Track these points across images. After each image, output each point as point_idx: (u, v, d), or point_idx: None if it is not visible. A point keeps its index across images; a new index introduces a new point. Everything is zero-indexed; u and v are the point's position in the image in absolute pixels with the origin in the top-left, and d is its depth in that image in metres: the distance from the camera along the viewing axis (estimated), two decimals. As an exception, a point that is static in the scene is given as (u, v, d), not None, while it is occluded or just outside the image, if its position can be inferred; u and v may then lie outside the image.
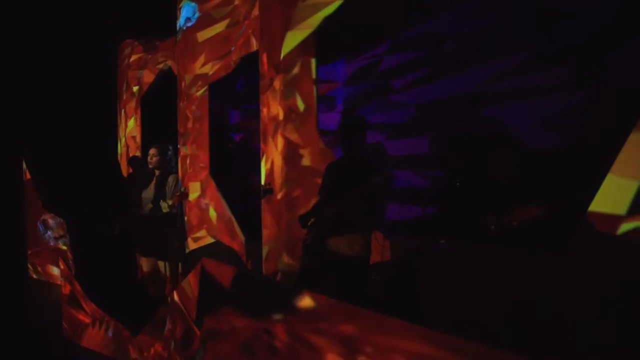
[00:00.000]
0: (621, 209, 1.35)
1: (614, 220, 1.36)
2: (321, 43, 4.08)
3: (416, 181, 4.20)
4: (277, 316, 0.61)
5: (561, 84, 2.88)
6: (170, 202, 2.32)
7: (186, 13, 3.77)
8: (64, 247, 3.07)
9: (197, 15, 3.67)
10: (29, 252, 3.77)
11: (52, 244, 3.42)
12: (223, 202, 3.38)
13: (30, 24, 4.46)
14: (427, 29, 4.41)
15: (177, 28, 3.81)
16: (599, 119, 2.21)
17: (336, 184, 1.89)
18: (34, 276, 3.78)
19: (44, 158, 4.19)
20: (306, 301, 0.62)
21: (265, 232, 2.58)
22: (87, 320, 2.20)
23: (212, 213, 3.43)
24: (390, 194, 1.91)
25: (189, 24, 3.71)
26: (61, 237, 3.18)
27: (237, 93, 5.78)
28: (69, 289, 2.42)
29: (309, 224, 1.84)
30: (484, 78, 3.86)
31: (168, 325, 1.31)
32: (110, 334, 2.01)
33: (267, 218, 2.54)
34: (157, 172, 2.52)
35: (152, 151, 2.53)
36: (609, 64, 2.42)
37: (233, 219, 3.30)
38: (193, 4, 3.64)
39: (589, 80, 2.56)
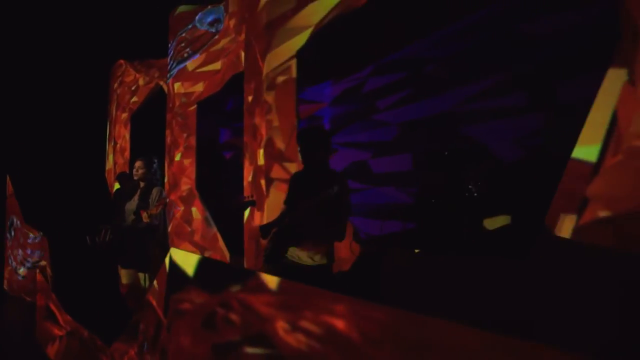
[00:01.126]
0: (572, 212, 1.45)
1: (567, 224, 1.46)
2: (308, 65, 4.29)
3: (399, 197, 4.30)
4: (233, 291, 0.68)
5: (526, 106, 3.07)
6: (151, 212, 2.36)
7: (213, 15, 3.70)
8: (43, 263, 3.05)
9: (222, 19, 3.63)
10: (8, 268, 3.72)
11: (19, 278, 3.38)
12: (208, 217, 3.41)
13: (24, 40, 4.58)
14: (408, 54, 4.65)
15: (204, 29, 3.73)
16: (553, 137, 2.37)
17: (296, 195, 1.94)
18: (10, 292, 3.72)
19: (29, 173, 4.20)
20: (259, 279, 0.69)
21: (247, 248, 2.61)
22: (61, 332, 2.18)
23: (197, 227, 3.45)
24: (348, 205, 1.93)
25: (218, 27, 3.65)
26: (27, 262, 3.16)
27: (228, 112, 5.92)
28: (44, 302, 2.41)
29: (270, 233, 1.86)
30: (460, 99, 4.06)
31: (141, 327, 1.33)
32: (82, 345, 2.00)
33: (248, 234, 2.59)
34: (142, 184, 2.57)
35: (137, 163, 2.59)
36: (558, 88, 2.61)
37: (218, 234, 3.33)
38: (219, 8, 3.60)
39: (544, 103, 2.75)
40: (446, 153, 2.91)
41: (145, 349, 1.26)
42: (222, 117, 5.78)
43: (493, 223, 2.16)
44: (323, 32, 3.06)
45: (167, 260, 0.90)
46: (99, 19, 4.70)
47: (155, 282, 1.09)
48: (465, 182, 2.43)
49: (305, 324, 0.59)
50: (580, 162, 1.47)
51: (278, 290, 0.68)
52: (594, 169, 1.39)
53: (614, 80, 1.37)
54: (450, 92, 4.11)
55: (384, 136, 4.82)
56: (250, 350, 0.61)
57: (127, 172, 4.69)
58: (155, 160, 2.67)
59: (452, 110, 4.07)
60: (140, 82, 5.13)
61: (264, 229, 1.94)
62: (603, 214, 1.36)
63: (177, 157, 3.91)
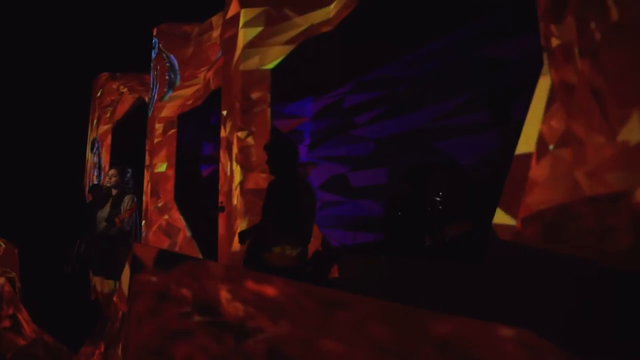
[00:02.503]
0: (513, 218, 1.61)
1: (509, 229, 1.61)
2: (287, 82, 4.47)
3: (376, 209, 4.44)
4: (185, 270, 0.78)
5: (488, 122, 3.31)
6: (122, 217, 2.40)
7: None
8: (11, 274, 3.01)
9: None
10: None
11: None
12: (185, 225, 3.46)
13: (9, 51, 4.60)
14: (384, 73, 4.91)
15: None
16: (509, 150, 2.58)
17: (268, 203, 2.06)
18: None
19: (5, 185, 4.17)
20: (214, 266, 0.79)
21: (220, 253, 2.67)
22: (25, 342, 2.16)
23: (173, 235, 3.48)
24: (311, 209, 2.03)
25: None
26: None
27: (211, 127, 6.02)
28: (12, 312, 2.39)
29: (247, 239, 1.96)
30: (433, 116, 4.31)
31: (107, 327, 1.38)
32: (47, 353, 1.99)
33: (222, 237, 2.66)
34: (114, 192, 2.61)
35: (111, 172, 2.64)
36: (514, 107, 2.85)
37: (193, 241, 3.37)
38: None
39: (502, 120, 2.98)
40: (411, 167, 3.08)
41: (110, 346, 1.32)
42: (205, 131, 5.87)
43: (454, 231, 2.30)
44: (302, 51, 3.24)
45: (130, 256, 0.99)
46: (83, 32, 4.78)
47: (121, 281, 1.16)
48: (430, 193, 2.59)
49: (242, 293, 0.70)
50: (517, 170, 1.63)
51: (223, 268, 0.79)
52: (535, 171, 1.55)
53: (542, 90, 1.56)
54: (423, 109, 4.35)
55: (361, 151, 5.00)
56: (198, 318, 0.71)
57: (99, 183, 4.68)
58: (129, 170, 2.73)
59: (424, 127, 4.30)
60: (123, 94, 5.19)
61: (241, 235, 2.04)
62: (533, 217, 1.52)
63: (159, 168, 3.96)
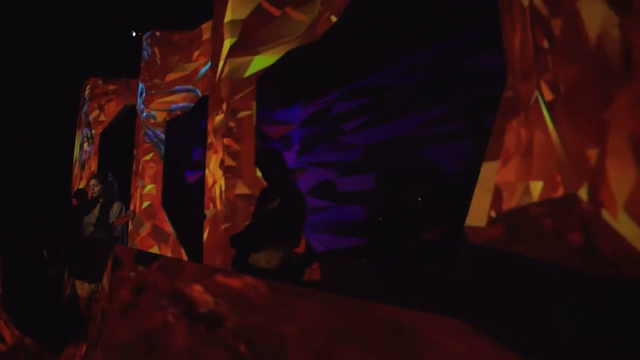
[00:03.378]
0: (482, 221, 1.70)
1: (479, 231, 1.71)
2: (275, 89, 4.57)
3: (362, 215, 4.53)
4: (160, 267, 0.84)
5: (464, 131, 3.45)
6: (116, 222, 2.43)
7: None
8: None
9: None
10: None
11: None
12: (171, 229, 3.49)
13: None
14: (371, 81, 5.04)
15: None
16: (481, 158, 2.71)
17: (258, 208, 2.14)
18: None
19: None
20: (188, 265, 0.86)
21: (205, 257, 2.72)
22: (4, 348, 2.17)
23: (161, 240, 3.51)
24: (300, 215, 2.12)
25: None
26: None
27: (200, 132, 6.06)
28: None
29: (236, 242, 2.03)
30: (418, 123, 4.44)
31: (90, 327, 1.42)
32: (28, 357, 2.00)
33: (207, 242, 2.70)
34: (101, 200, 2.64)
35: (92, 182, 2.66)
36: (488, 118, 2.99)
37: (181, 246, 3.41)
38: None
39: (476, 130, 3.13)
40: (388, 173, 3.18)
41: (91, 345, 1.36)
42: (194, 136, 5.90)
43: (430, 235, 2.40)
44: (290, 59, 3.32)
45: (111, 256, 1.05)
46: (73, 37, 4.81)
47: (103, 282, 1.21)
48: (410, 198, 2.68)
49: (213, 287, 0.77)
50: (485, 175, 1.73)
51: (198, 267, 0.86)
52: (500, 177, 1.65)
53: (505, 105, 1.67)
54: (408, 117, 4.48)
55: (349, 157, 5.10)
56: (173, 310, 0.78)
57: (84, 189, 4.68)
58: (110, 175, 2.76)
59: (409, 134, 4.42)
60: (112, 99, 5.21)
61: (232, 239, 2.11)
62: (498, 220, 1.61)
63: (145, 174, 3.99)
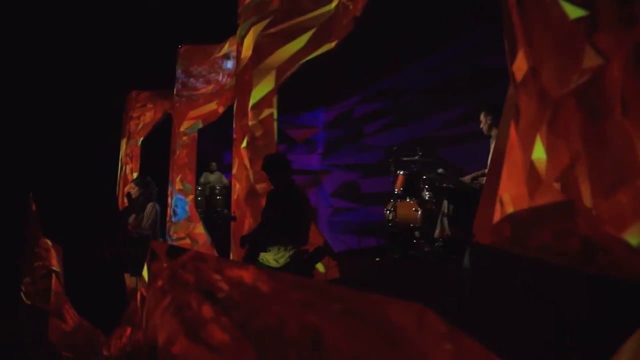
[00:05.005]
0: (489, 222, 1.79)
1: (485, 231, 1.80)
2: (302, 94, 4.77)
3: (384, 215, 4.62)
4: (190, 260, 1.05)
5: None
6: (133, 224, 2.76)
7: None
8: (58, 269, 3.44)
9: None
10: (26, 279, 4.12)
11: None
12: (203, 229, 3.80)
13: (48, 72, 5.19)
14: (391, 84, 5.11)
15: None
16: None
17: (267, 209, 2.32)
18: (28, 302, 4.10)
19: (51, 192, 4.69)
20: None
21: (232, 254, 2.96)
22: (68, 328, 2.53)
23: (194, 240, 3.83)
24: (306, 215, 2.24)
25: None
26: None
27: (231, 137, 6.42)
28: (58, 304, 2.78)
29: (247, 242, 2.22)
30: (437, 125, 4.45)
31: (133, 310, 1.68)
32: (85, 338, 2.33)
33: (234, 242, 2.94)
34: (140, 201, 2.99)
35: (132, 184, 3.04)
36: None
37: (210, 241, 3.71)
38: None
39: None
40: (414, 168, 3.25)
41: (135, 326, 1.62)
42: (227, 140, 6.26)
43: (442, 235, 2.48)
44: (312, 64, 3.48)
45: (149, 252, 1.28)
46: (117, 55, 5.32)
47: (142, 274, 1.46)
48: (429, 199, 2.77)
49: (228, 276, 0.97)
50: (491, 179, 1.82)
51: (216, 258, 1.06)
52: (503, 181, 1.74)
53: (509, 104, 1.76)
54: (427, 119, 4.51)
55: (371, 158, 5.20)
56: (197, 295, 0.99)
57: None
58: (149, 179, 3.11)
59: (430, 135, 4.45)
60: (150, 110, 5.68)
61: (242, 239, 2.32)
62: (503, 222, 1.71)
63: (180, 179, 4.35)
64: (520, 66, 1.66)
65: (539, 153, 1.52)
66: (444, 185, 2.87)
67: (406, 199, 2.94)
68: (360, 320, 0.77)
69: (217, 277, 1.02)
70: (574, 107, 1.39)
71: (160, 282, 1.12)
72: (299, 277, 0.95)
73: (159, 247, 1.20)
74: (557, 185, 1.44)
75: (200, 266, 1.04)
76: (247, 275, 0.97)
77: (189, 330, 1.06)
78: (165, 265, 1.09)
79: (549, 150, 1.44)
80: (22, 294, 4.33)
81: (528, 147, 1.58)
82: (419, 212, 2.78)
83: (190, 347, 1.06)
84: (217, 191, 5.62)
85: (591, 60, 1.27)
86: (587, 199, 1.35)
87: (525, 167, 1.61)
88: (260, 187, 2.74)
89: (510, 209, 1.68)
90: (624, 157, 1.25)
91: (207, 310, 1.03)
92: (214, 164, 5.78)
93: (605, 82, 1.26)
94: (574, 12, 1.38)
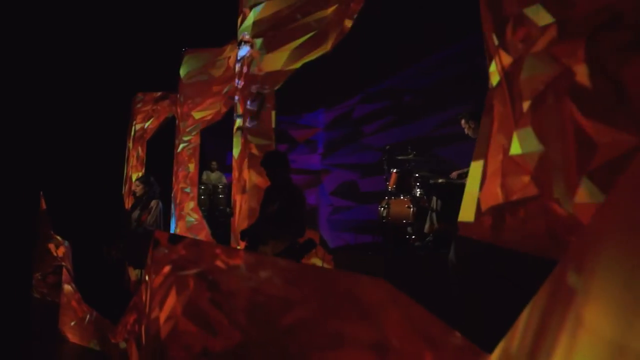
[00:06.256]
0: (471, 216, 1.90)
1: (468, 225, 1.91)
2: (303, 94, 4.90)
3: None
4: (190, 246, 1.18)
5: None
6: (143, 218, 2.91)
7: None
8: (67, 265, 3.61)
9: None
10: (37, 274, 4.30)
11: None
12: (205, 225, 3.95)
13: (57, 77, 5.38)
14: (389, 85, 5.21)
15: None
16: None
17: (264, 204, 2.46)
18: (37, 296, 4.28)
19: (60, 191, 4.87)
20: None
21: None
22: (76, 317, 2.68)
23: (196, 234, 3.98)
24: (300, 209, 2.36)
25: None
26: None
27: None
28: (68, 295, 2.94)
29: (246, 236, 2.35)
30: (435, 125, 4.55)
31: (138, 298, 1.81)
32: (94, 326, 2.48)
33: (234, 236, 3.07)
34: (143, 199, 3.14)
35: (136, 182, 3.20)
36: None
37: (210, 235, 3.86)
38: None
39: None
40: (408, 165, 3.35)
41: (141, 311, 1.76)
42: (229, 140, 6.41)
43: (432, 230, 2.59)
44: (313, 67, 3.60)
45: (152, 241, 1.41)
46: (122, 57, 5.50)
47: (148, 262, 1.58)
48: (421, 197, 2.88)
49: (224, 259, 1.10)
50: (474, 172, 1.94)
51: (212, 244, 1.19)
52: (482, 176, 1.85)
53: (489, 106, 1.87)
54: (425, 118, 4.61)
55: (370, 158, 5.30)
56: (194, 275, 1.12)
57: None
58: (152, 178, 3.27)
59: (428, 135, 4.55)
60: (155, 112, 5.84)
61: (242, 233, 2.45)
62: (483, 215, 1.82)
63: (183, 178, 4.51)
64: (495, 71, 1.77)
65: (514, 150, 1.63)
66: (432, 181, 2.98)
67: (399, 196, 3.05)
68: (332, 294, 0.89)
69: (212, 261, 1.15)
70: (543, 108, 1.50)
71: (162, 264, 1.25)
72: (284, 260, 1.07)
73: (161, 235, 1.32)
74: (528, 180, 1.55)
75: (198, 252, 1.17)
76: (238, 260, 1.09)
77: (186, 312, 1.19)
78: (166, 251, 1.21)
79: (522, 148, 1.55)
80: (32, 289, 4.51)
81: (504, 146, 1.69)
82: (412, 209, 2.89)
83: (188, 327, 1.19)
84: (219, 190, 5.76)
85: (552, 67, 1.38)
86: (556, 193, 1.46)
87: (503, 163, 1.72)
88: (257, 182, 2.86)
89: (489, 204, 1.79)
90: (585, 153, 1.36)
91: (203, 292, 1.16)
92: (214, 163, 5.93)
93: (566, 87, 1.37)
94: (542, 19, 1.49)
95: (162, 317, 1.25)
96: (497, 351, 0.60)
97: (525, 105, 1.54)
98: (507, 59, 1.60)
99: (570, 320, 0.46)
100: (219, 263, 1.11)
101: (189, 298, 1.17)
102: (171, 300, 1.21)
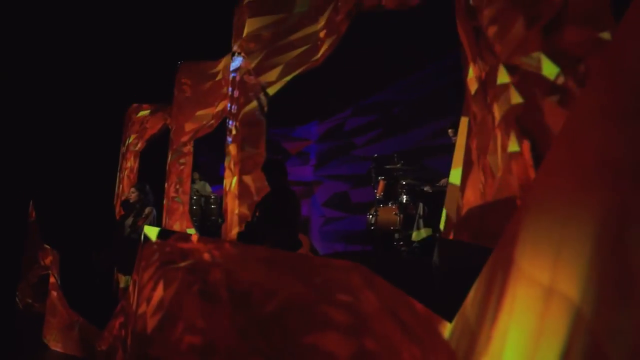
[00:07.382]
0: (452, 219, 1.97)
1: (450, 227, 1.97)
2: (295, 108, 5.02)
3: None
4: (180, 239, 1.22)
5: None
6: (138, 224, 2.93)
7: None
8: (54, 272, 3.58)
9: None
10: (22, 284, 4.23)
11: None
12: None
13: (50, 85, 5.44)
14: (380, 98, 5.37)
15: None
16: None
17: (261, 210, 2.52)
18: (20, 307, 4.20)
19: (51, 200, 4.84)
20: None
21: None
22: (62, 324, 2.66)
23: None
24: (294, 214, 2.43)
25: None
26: None
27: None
28: (54, 298, 2.91)
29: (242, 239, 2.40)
30: (424, 136, 4.68)
31: (126, 302, 1.83)
32: (79, 334, 2.46)
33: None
34: (137, 206, 3.18)
35: (132, 189, 3.24)
36: None
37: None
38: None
39: None
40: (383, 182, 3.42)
41: (128, 313, 1.77)
42: (222, 152, 6.47)
43: (418, 235, 2.65)
44: (303, 78, 3.71)
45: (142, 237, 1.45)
46: (118, 68, 5.60)
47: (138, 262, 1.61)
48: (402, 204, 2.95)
49: (209, 251, 1.14)
50: (454, 178, 2.02)
51: (199, 238, 1.23)
52: (462, 182, 1.93)
53: (464, 123, 1.96)
54: (416, 130, 4.74)
55: (361, 169, 5.39)
56: (182, 267, 1.17)
57: (127, 199, 5.29)
58: (147, 186, 3.30)
59: (417, 146, 4.67)
60: (149, 123, 5.91)
61: (238, 235, 2.50)
62: (463, 219, 1.88)
63: (175, 189, 4.53)
64: (472, 79, 1.88)
65: (491, 154, 1.71)
66: (418, 189, 3.07)
67: (387, 204, 3.12)
68: (307, 279, 0.94)
69: (199, 255, 1.19)
70: (513, 116, 1.60)
71: (152, 258, 1.28)
72: (266, 250, 1.12)
73: (150, 231, 1.36)
74: (504, 182, 1.63)
75: (184, 247, 1.21)
76: (224, 252, 1.14)
77: (173, 304, 1.22)
78: (155, 246, 1.25)
79: (498, 151, 1.64)
80: (17, 298, 4.42)
81: (482, 151, 1.78)
82: (399, 216, 2.95)
83: (174, 319, 1.21)
84: (211, 200, 5.79)
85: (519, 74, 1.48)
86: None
87: (479, 167, 1.80)
88: (248, 189, 2.91)
89: (468, 206, 1.86)
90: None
91: (190, 285, 1.19)
92: (196, 174, 5.97)
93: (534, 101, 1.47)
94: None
95: (149, 311, 1.28)
96: (456, 316, 0.66)
97: (501, 110, 1.64)
98: (483, 68, 1.71)
99: (512, 273, 0.52)
100: (205, 256, 1.15)
101: (175, 290, 1.21)
102: (158, 293, 1.24)
